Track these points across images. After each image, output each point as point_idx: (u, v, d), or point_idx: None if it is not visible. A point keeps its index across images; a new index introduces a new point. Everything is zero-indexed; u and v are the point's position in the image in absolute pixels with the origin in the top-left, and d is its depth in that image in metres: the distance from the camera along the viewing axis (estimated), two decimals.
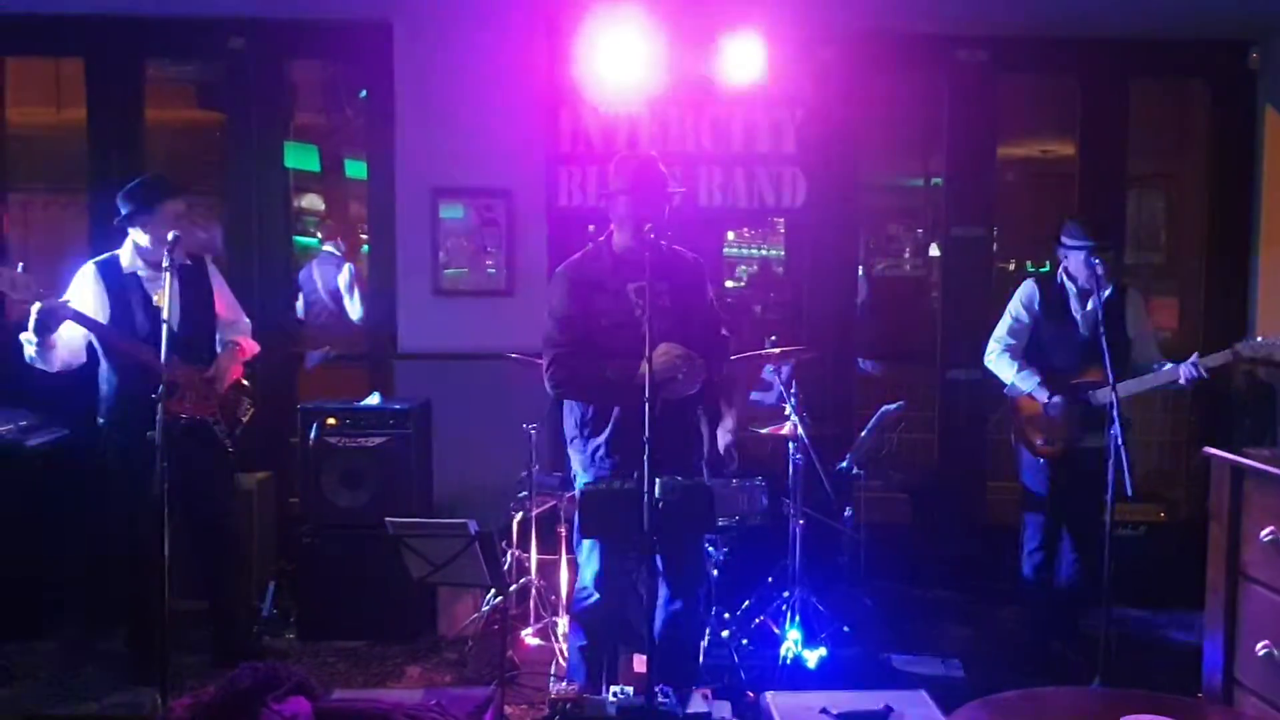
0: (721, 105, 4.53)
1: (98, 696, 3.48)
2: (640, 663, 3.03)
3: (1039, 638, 3.87)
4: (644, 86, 4.37)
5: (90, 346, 3.46)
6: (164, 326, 3.07)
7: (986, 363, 3.86)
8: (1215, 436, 4.28)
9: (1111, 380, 3.27)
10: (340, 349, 5.46)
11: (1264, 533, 2.54)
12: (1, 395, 4.09)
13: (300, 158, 5.97)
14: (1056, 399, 3.64)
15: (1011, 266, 6.67)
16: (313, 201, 6.82)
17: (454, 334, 4.56)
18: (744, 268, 7.64)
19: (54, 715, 3.39)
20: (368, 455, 4.02)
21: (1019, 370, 3.74)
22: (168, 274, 3.12)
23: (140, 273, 3.47)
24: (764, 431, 3.90)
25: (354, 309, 6.05)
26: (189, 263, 3.55)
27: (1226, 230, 4.89)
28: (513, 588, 3.85)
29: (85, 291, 3.42)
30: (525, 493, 3.90)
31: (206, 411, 3.53)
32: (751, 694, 3.32)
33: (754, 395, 4.52)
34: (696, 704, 2.63)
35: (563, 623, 3.70)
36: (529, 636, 3.88)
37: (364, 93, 5.03)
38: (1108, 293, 3.50)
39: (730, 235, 7.13)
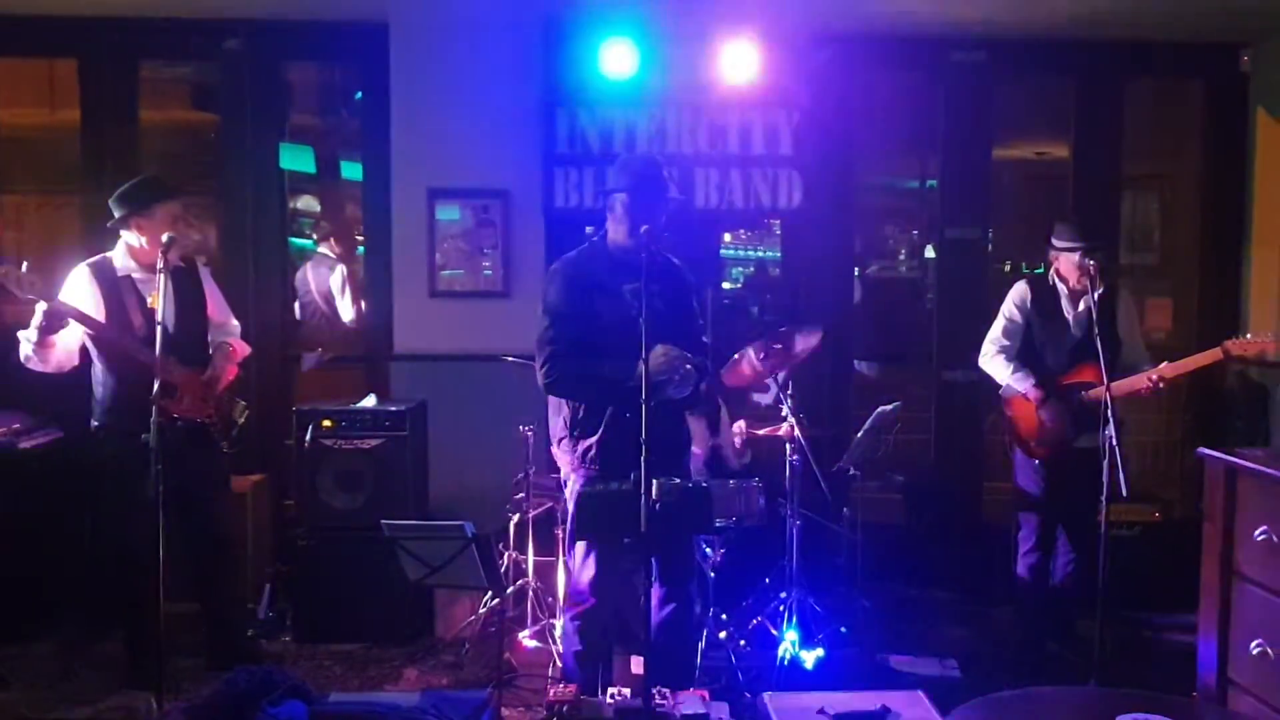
0: (718, 107, 4.53)
1: (93, 700, 3.47)
2: (637, 664, 3.03)
3: (1035, 638, 3.88)
4: (640, 87, 4.38)
5: (83, 348, 3.44)
6: (159, 328, 3.06)
7: (981, 364, 3.88)
8: (1209, 437, 4.30)
9: (1106, 381, 3.28)
10: (333, 351, 5.45)
11: (1258, 532, 2.55)
12: None
13: (296, 159, 5.95)
14: (1052, 399, 3.66)
15: (1007, 268, 6.68)
16: (308, 203, 6.80)
17: (450, 336, 4.55)
18: (740, 269, 7.64)
19: (49, 719, 3.37)
20: (364, 457, 4.01)
21: (1013, 371, 3.75)
22: (162, 275, 3.11)
23: (134, 274, 3.46)
24: (761, 432, 3.90)
25: (345, 310, 6.03)
26: (181, 264, 3.54)
27: (1219, 231, 4.91)
28: (509, 590, 3.85)
29: (79, 293, 3.40)
30: (522, 494, 3.89)
31: (203, 414, 3.52)
32: (749, 695, 3.32)
33: (751, 396, 4.52)
34: (694, 705, 2.63)
35: (559, 625, 3.69)
36: (526, 638, 3.88)
37: (360, 94, 5.02)
38: (1099, 293, 3.52)
39: (726, 237, 7.13)
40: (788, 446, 3.75)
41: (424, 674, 3.75)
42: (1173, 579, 4.19)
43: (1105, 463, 3.20)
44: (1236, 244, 4.87)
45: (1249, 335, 3.56)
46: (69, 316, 3.23)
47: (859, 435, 3.87)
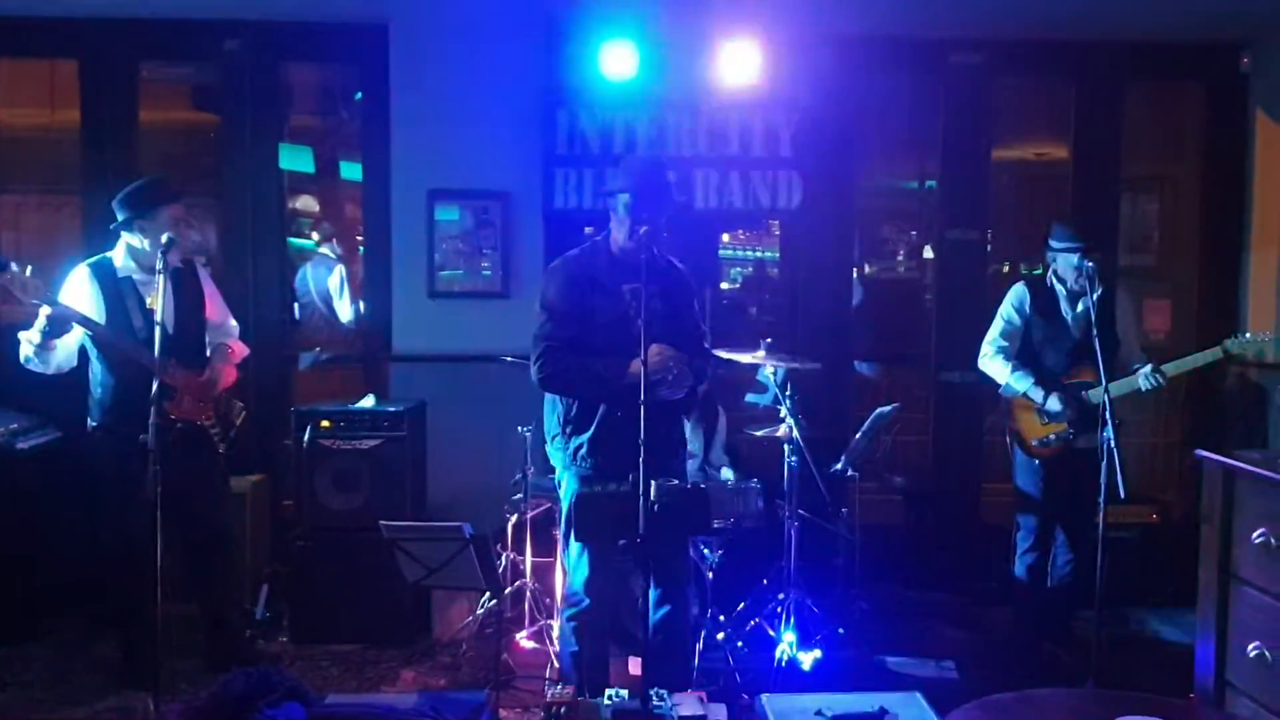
0: (718, 108, 4.53)
1: (90, 701, 3.47)
2: (635, 665, 3.03)
3: (1032, 639, 3.88)
4: (640, 89, 4.38)
5: (81, 349, 3.44)
6: (158, 329, 3.06)
7: (980, 365, 3.89)
8: (1207, 439, 4.30)
9: (1104, 381, 3.29)
10: (332, 351, 5.45)
11: (1255, 535, 2.55)
12: None
13: (295, 159, 5.96)
14: (1053, 398, 3.66)
15: (1006, 269, 6.68)
16: (308, 203, 6.80)
17: (449, 336, 4.56)
18: (739, 269, 7.65)
19: None
20: (362, 458, 4.01)
21: (1012, 371, 3.76)
22: (161, 276, 3.11)
23: (134, 276, 3.46)
24: (759, 433, 3.91)
25: (343, 311, 6.03)
26: (180, 265, 3.54)
27: (1219, 232, 4.91)
28: (507, 591, 3.84)
29: (80, 294, 3.40)
30: (520, 495, 3.89)
31: (202, 415, 3.52)
32: (746, 696, 3.32)
33: (749, 397, 4.52)
34: (691, 707, 2.63)
35: (557, 626, 3.69)
36: (524, 640, 3.88)
37: (359, 95, 5.03)
38: (1098, 294, 3.52)
39: (725, 237, 7.14)
40: (786, 448, 3.75)
41: (421, 675, 3.75)
42: (1170, 581, 4.20)
43: (1104, 464, 3.20)
44: (1236, 246, 4.87)
45: (1248, 334, 3.58)
46: (72, 320, 3.23)
47: (857, 436, 3.87)
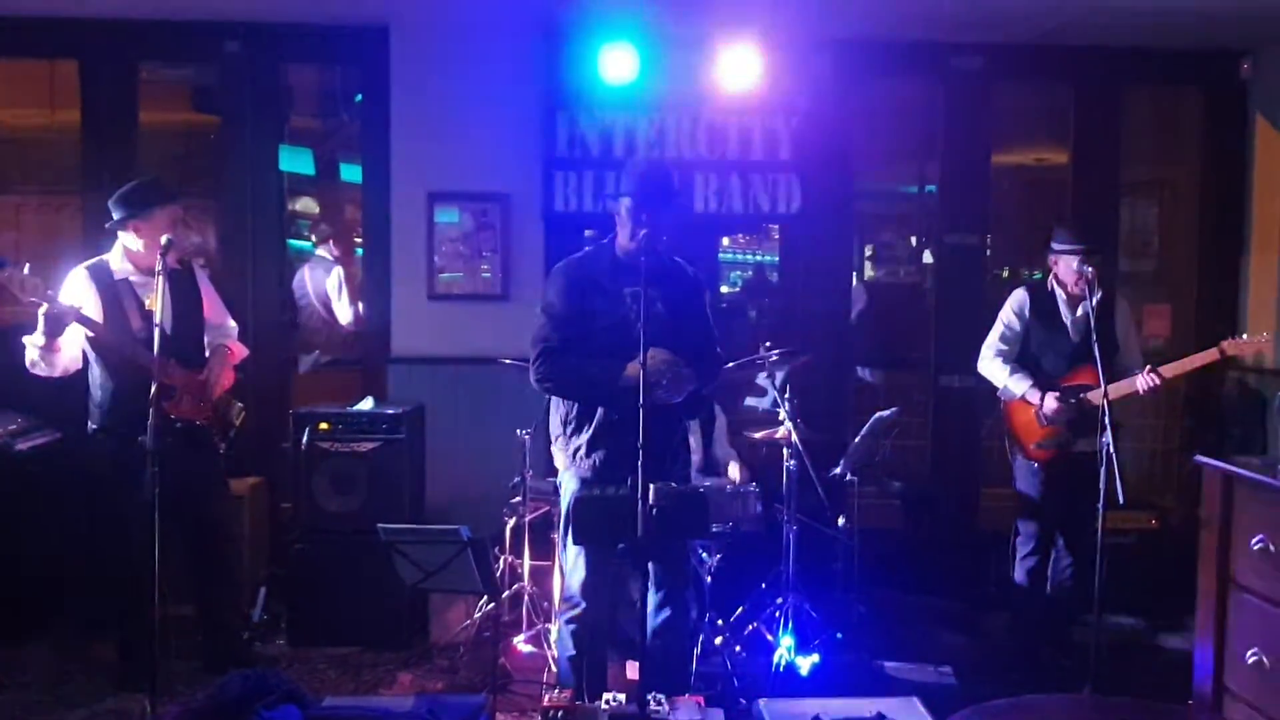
0: (717, 112, 4.54)
1: (87, 703, 3.47)
2: (633, 669, 3.02)
3: (1031, 644, 3.88)
4: (640, 92, 4.38)
5: (81, 351, 3.44)
6: (157, 331, 3.06)
7: (979, 368, 3.90)
8: (1207, 445, 4.30)
9: (1104, 385, 3.29)
10: (331, 353, 5.44)
11: (1254, 541, 2.55)
12: None
13: (295, 161, 5.96)
14: (1049, 398, 3.66)
15: (1005, 274, 6.69)
16: (307, 205, 6.81)
17: (448, 338, 4.55)
18: (738, 273, 7.65)
19: None
20: (360, 460, 4.01)
21: (1011, 374, 3.77)
22: (159, 278, 3.11)
23: (131, 277, 3.46)
24: (758, 436, 3.90)
25: (342, 313, 6.03)
26: (178, 267, 3.54)
27: (1218, 237, 4.91)
28: (505, 594, 3.84)
29: (78, 296, 3.39)
30: (518, 498, 3.89)
31: (201, 416, 3.52)
32: (744, 701, 3.32)
33: (748, 401, 4.52)
34: (689, 711, 2.62)
35: (555, 629, 3.69)
36: (521, 643, 3.87)
37: (359, 96, 5.03)
38: (1097, 298, 3.53)
39: (725, 241, 7.14)
40: (785, 451, 3.75)
41: (418, 678, 3.74)
42: (1169, 586, 4.19)
43: (1103, 469, 3.20)
44: (1235, 251, 4.87)
45: (1245, 336, 3.58)
46: (71, 318, 3.22)
47: (856, 441, 3.87)
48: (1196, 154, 5.04)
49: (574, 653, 3.05)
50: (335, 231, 6.39)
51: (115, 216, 3.43)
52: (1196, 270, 5.00)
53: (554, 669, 3.49)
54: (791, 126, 4.58)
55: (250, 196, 4.71)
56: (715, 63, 4.31)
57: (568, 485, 3.06)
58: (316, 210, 6.82)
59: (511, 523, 3.94)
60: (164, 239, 3.21)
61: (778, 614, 3.72)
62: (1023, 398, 3.74)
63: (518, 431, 3.84)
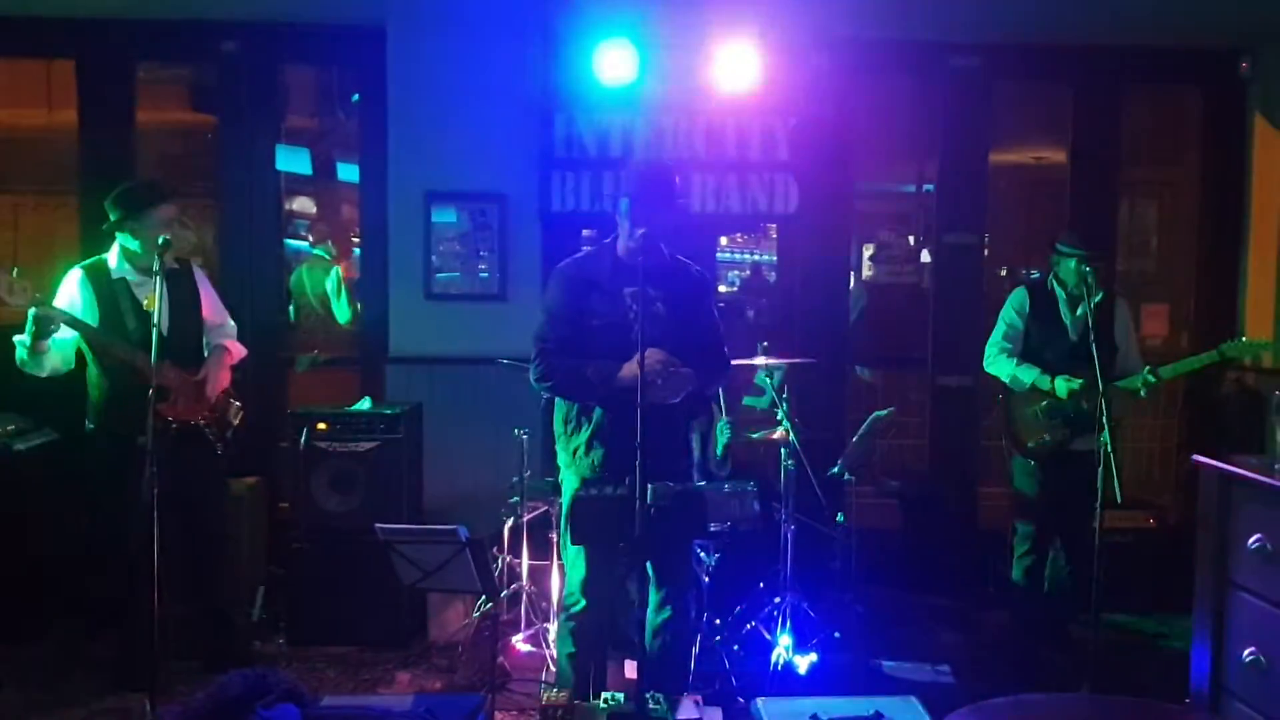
0: (715, 111, 4.53)
1: (87, 702, 3.46)
2: (631, 668, 3.02)
3: (1028, 643, 3.89)
4: (637, 92, 4.38)
5: (78, 352, 3.44)
6: (154, 331, 3.06)
7: (986, 367, 3.95)
8: (1205, 443, 4.30)
9: (1101, 385, 3.30)
10: (329, 353, 5.44)
11: (1252, 540, 2.55)
12: None
13: (292, 161, 5.96)
14: (1060, 380, 3.66)
15: (1004, 273, 6.69)
16: (304, 205, 6.80)
17: (446, 338, 4.55)
18: (736, 273, 7.66)
19: None
20: (358, 460, 4.00)
21: (1018, 365, 3.79)
22: (157, 278, 3.11)
23: (129, 277, 3.46)
24: (756, 436, 3.90)
25: (340, 312, 6.03)
26: (176, 266, 3.54)
27: (1217, 237, 4.92)
28: (504, 594, 3.84)
29: (74, 296, 3.40)
30: (516, 498, 3.89)
31: (198, 416, 3.52)
32: (742, 700, 3.32)
33: (746, 400, 4.52)
34: (687, 710, 2.63)
35: (554, 629, 3.69)
36: (520, 643, 3.87)
37: (357, 96, 5.02)
38: (1097, 299, 3.54)
39: (723, 240, 7.14)
40: (783, 451, 3.75)
41: (417, 678, 3.74)
42: (1167, 586, 4.20)
43: (1100, 468, 3.21)
44: (1234, 250, 4.87)
45: (1244, 338, 3.59)
46: (59, 321, 3.23)
47: (854, 440, 3.87)
48: (1195, 153, 5.04)
49: (573, 652, 3.05)
50: (332, 231, 6.39)
51: (111, 218, 3.44)
52: (1195, 270, 5.01)
53: (552, 668, 3.50)
54: (789, 126, 4.58)
55: (248, 196, 4.71)
56: (713, 62, 4.31)
57: (568, 484, 3.07)
58: (314, 210, 6.82)
59: (510, 522, 3.94)
60: (161, 239, 3.21)
61: (776, 613, 3.72)
62: (1033, 385, 3.75)
63: (515, 431, 3.84)
